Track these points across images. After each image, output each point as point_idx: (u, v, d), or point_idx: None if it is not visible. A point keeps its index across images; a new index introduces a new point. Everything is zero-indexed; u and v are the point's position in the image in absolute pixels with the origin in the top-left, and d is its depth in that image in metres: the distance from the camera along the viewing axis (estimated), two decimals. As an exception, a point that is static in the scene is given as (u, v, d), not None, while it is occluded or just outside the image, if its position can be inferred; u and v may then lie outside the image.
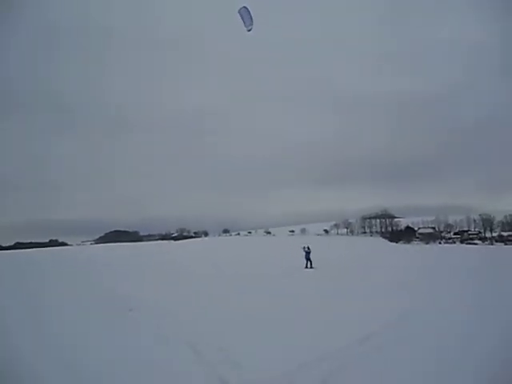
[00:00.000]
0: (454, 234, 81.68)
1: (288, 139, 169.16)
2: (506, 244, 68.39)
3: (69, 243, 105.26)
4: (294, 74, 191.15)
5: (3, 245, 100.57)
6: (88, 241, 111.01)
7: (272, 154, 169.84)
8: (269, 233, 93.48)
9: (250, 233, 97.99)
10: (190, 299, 9.84)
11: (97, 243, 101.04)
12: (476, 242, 72.90)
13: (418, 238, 79.20)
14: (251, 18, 8.86)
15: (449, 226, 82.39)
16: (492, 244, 70.11)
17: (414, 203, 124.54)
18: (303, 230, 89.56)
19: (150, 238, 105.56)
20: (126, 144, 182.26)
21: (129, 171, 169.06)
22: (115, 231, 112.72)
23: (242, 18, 8.86)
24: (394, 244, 69.23)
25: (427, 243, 70.86)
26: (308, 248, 17.53)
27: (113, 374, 4.38)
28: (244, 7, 8.86)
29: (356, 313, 7.50)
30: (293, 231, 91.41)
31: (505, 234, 76.37)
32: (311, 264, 17.04)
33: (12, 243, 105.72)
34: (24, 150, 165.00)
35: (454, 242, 73.86)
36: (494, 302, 8.58)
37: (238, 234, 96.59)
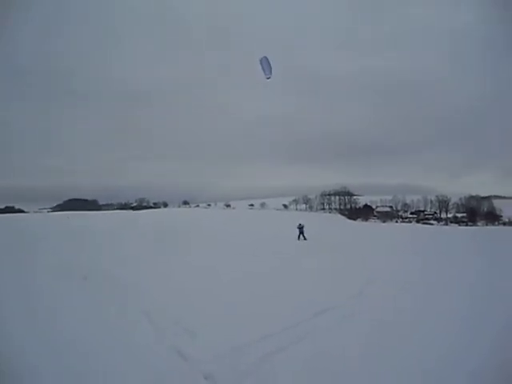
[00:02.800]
0: (411, 213, 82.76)
1: (251, 115, 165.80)
2: (459, 225, 69.62)
3: (25, 210, 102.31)
4: (262, 49, 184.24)
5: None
6: (45, 208, 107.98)
7: (235, 128, 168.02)
8: (228, 206, 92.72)
9: (209, 205, 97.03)
10: (148, 269, 9.62)
11: (54, 211, 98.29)
12: (431, 222, 74.02)
13: (375, 216, 79.93)
14: (271, 67, 9.24)
15: (406, 206, 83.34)
16: (447, 224, 71.33)
17: (373, 182, 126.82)
18: (263, 205, 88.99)
19: (108, 207, 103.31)
20: (88, 114, 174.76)
21: (91, 140, 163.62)
22: (74, 199, 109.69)
23: (263, 67, 9.21)
24: (351, 221, 69.57)
25: (384, 221, 71.65)
26: (302, 225, 21.20)
27: (63, 342, 4.31)
28: (265, 57, 9.23)
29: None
30: (252, 205, 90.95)
31: (459, 215, 77.72)
32: (304, 236, 20.39)
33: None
34: None
35: (410, 222, 74.80)
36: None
37: (198, 205, 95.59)
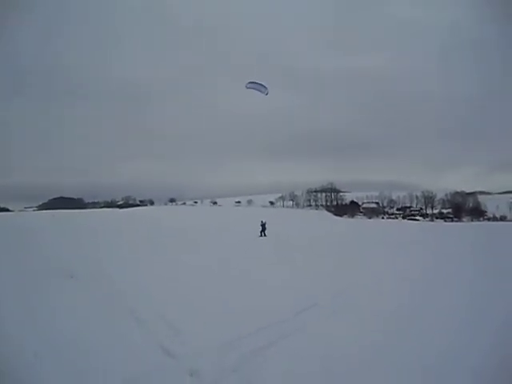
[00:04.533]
0: (397, 209, 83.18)
1: (237, 112, 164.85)
2: (445, 221, 69.97)
3: (10, 209, 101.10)
4: (247, 47, 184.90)
5: None
6: (31, 207, 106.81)
7: (221, 125, 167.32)
8: (215, 203, 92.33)
9: (196, 202, 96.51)
10: (134, 267, 9.73)
11: (40, 209, 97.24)
12: (417, 218, 74.46)
13: (361, 212, 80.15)
14: (261, 84, 9.70)
15: (392, 202, 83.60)
16: (432, 220, 71.90)
17: (360, 179, 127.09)
18: (249, 201, 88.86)
19: (94, 205, 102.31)
20: (74, 111, 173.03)
21: (76, 138, 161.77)
22: (60, 198, 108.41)
23: (257, 89, 9.72)
24: (337, 217, 69.59)
25: (370, 218, 71.87)
26: (264, 222, 22.14)
27: (50, 339, 4.29)
28: (250, 82, 9.72)
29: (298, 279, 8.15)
30: (239, 202, 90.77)
31: (445, 211, 78.14)
32: (265, 233, 21.44)
33: None
34: None
35: (397, 218, 75.13)
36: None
37: (184, 203, 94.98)
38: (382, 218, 74.96)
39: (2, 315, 5.18)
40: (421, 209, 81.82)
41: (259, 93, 9.94)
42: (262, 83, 9.90)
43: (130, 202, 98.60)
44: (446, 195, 79.54)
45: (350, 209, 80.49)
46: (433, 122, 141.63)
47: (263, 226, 21.92)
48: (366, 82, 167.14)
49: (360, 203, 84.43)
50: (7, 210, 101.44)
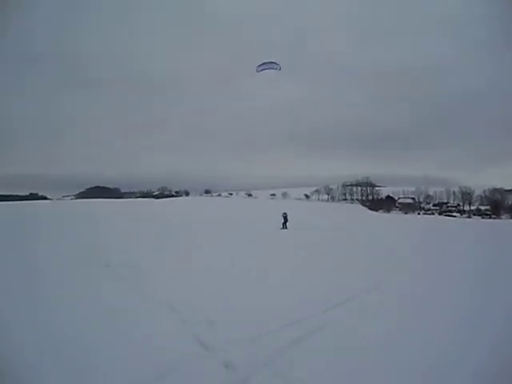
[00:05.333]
0: (434, 205, 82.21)
1: (274, 105, 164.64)
2: (483, 217, 69.04)
3: (49, 197, 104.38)
4: (280, 42, 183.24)
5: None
6: (68, 196, 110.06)
7: (258, 118, 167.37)
8: (250, 195, 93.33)
9: (231, 194, 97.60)
10: (168, 257, 9.66)
11: (77, 198, 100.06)
12: (454, 214, 73.49)
13: (397, 207, 79.69)
14: (273, 62, 9.76)
15: (428, 198, 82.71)
16: (470, 217, 70.77)
17: (396, 173, 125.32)
18: (284, 194, 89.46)
19: (130, 195, 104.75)
20: (113, 102, 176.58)
21: (114, 128, 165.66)
22: (96, 187, 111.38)
23: (270, 68, 9.86)
24: (373, 212, 69.59)
25: (406, 213, 71.49)
26: (285, 214, 21.49)
27: (86, 329, 4.33)
28: (260, 66, 9.85)
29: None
30: (274, 195, 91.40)
31: (482, 208, 76.97)
32: (286, 226, 20.79)
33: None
34: (10, 102, 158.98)
35: (433, 214, 74.43)
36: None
37: (219, 195, 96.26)
38: (418, 213, 74.41)
39: (41, 302, 5.30)
40: (458, 205, 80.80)
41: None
42: (272, 61, 9.84)
43: (166, 192, 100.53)
44: (485, 192, 78.38)
45: (386, 204, 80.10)
46: (472, 116, 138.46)
47: (285, 218, 21.23)
48: (403, 75, 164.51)
49: (396, 198, 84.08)
50: (45, 198, 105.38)
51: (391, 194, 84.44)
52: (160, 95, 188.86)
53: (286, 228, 20.57)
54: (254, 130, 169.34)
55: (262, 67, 10.01)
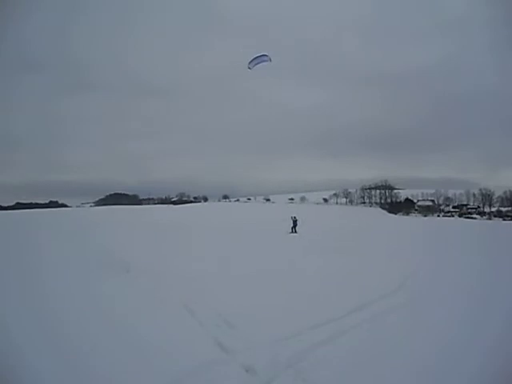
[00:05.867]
0: (453, 207, 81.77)
1: (291, 109, 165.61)
2: (504, 219, 68.49)
3: (68, 205, 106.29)
4: (298, 43, 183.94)
5: (3, 205, 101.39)
6: (88, 203, 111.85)
7: (274, 122, 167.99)
8: (268, 200, 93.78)
9: (249, 199, 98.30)
10: (189, 262, 9.73)
11: (96, 205, 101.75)
12: (474, 216, 72.88)
13: (416, 210, 79.50)
14: (263, 55, 9.77)
15: (448, 200, 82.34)
16: (490, 219, 70.27)
17: (415, 176, 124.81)
18: (303, 199, 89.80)
19: (149, 201, 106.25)
20: (129, 107, 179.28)
21: (131, 135, 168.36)
22: (115, 194, 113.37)
23: (261, 62, 9.84)
24: (392, 215, 69.73)
25: (425, 215, 71.30)
26: (295, 217, 21.36)
27: (109, 333, 4.37)
28: (250, 62, 9.81)
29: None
30: (292, 199, 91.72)
31: (503, 209, 76.35)
32: (295, 230, 20.49)
33: (12, 203, 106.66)
34: (27, 109, 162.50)
35: (453, 216, 73.94)
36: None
37: (238, 200, 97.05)
38: (438, 215, 74.10)
39: (62, 307, 5.36)
40: (478, 207, 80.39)
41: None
42: (262, 54, 9.77)
43: (184, 198, 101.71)
44: (505, 193, 77.92)
45: (405, 206, 79.98)
46: (491, 118, 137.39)
47: (294, 221, 20.89)
48: (421, 79, 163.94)
49: (415, 201, 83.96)
50: (65, 206, 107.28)
51: (410, 197, 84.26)
52: (175, 100, 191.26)
53: (295, 232, 19.97)
54: (273, 134, 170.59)
55: (254, 62, 9.92)
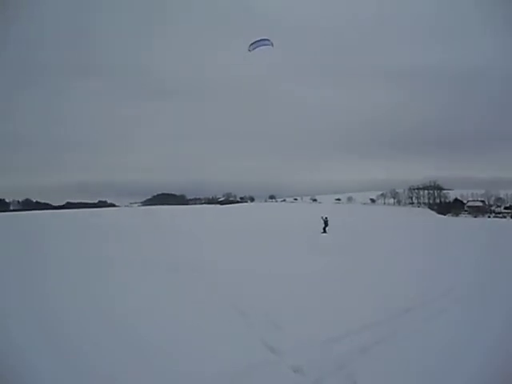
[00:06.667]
0: (505, 208, 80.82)
1: (338, 110, 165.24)
2: (561, 220, 67.26)
3: (117, 204, 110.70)
4: (344, 47, 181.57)
5: (55, 204, 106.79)
6: (136, 202, 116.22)
7: (323, 123, 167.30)
8: (315, 200, 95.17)
9: (295, 199, 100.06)
10: (235, 263, 9.85)
11: (144, 205, 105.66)
12: (528, 216, 71.98)
13: (466, 210, 78.98)
14: (264, 39, 9.88)
15: (499, 200, 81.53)
16: (545, 219, 69.16)
17: (464, 176, 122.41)
18: (350, 199, 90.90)
19: (196, 201, 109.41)
20: (178, 110, 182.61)
21: (179, 136, 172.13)
22: (162, 194, 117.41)
23: (262, 45, 9.90)
24: (441, 216, 69.83)
25: (475, 216, 70.82)
26: (326, 218, 21.56)
27: (161, 332, 4.46)
28: (251, 45, 9.87)
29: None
30: (339, 199, 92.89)
31: (560, 209, 75.16)
32: (325, 230, 20.76)
33: (63, 203, 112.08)
34: (78, 113, 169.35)
35: (505, 217, 72.88)
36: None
37: (284, 200, 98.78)
38: (489, 216, 73.47)
39: (119, 305, 5.61)
40: (532, 207, 79.46)
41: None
42: (263, 38, 9.87)
43: (231, 198, 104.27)
44: (562, 193, 76.74)
45: (454, 207, 79.57)
46: None
47: (325, 222, 21.04)
48: (469, 78, 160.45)
49: (464, 201, 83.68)
50: (114, 206, 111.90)
51: (459, 197, 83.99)
52: (224, 102, 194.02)
53: (325, 232, 20.33)
54: (320, 134, 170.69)
55: (254, 45, 9.91)
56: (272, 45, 10.01)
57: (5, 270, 8.64)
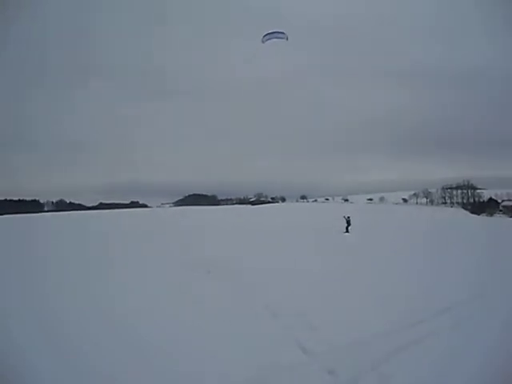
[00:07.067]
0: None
1: (371, 108, 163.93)
2: None
3: (149, 205, 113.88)
4: (372, 50, 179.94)
5: (88, 205, 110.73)
6: (167, 203, 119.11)
7: (356, 122, 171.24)
8: (346, 200, 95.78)
9: (327, 199, 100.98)
10: (267, 263, 9.94)
11: (176, 206, 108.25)
12: None
13: (501, 210, 78.42)
14: (279, 32, 9.93)
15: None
16: None
17: (499, 175, 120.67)
18: (382, 199, 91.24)
19: (227, 202, 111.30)
20: (205, 110, 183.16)
21: (210, 136, 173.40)
22: (194, 194, 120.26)
23: (276, 37, 9.96)
24: (474, 215, 69.74)
25: (511, 216, 70.56)
26: (348, 217, 21.49)
27: (192, 334, 4.57)
28: (265, 36, 9.93)
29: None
30: (371, 199, 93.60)
31: None
32: (348, 230, 20.68)
33: (96, 203, 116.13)
34: (110, 114, 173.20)
35: None
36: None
37: (315, 200, 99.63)
38: None
39: (147, 305, 5.84)
40: None
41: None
42: (279, 30, 9.85)
43: (262, 198, 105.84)
44: None
45: (488, 207, 78.83)
46: None
47: (348, 221, 21.00)
48: (501, 74, 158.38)
49: (499, 201, 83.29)
50: (146, 206, 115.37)
51: (494, 197, 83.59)
52: (253, 102, 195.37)
53: (348, 232, 20.29)
54: (352, 134, 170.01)
55: (268, 37, 9.90)
56: (287, 38, 9.90)
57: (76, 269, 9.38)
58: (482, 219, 60.21)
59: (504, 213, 76.20)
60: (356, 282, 7.65)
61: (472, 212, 75.93)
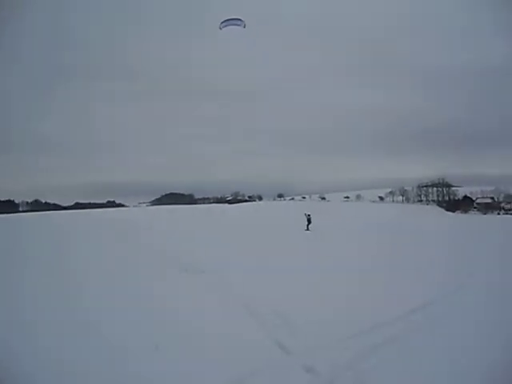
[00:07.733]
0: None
1: (345, 108, 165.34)
2: None
3: (125, 204, 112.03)
4: (358, 43, 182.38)
5: (64, 205, 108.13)
6: (144, 202, 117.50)
7: (332, 121, 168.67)
8: (323, 198, 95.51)
9: (304, 198, 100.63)
10: (245, 262, 9.72)
11: (153, 205, 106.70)
12: (539, 214, 71.53)
13: (475, 207, 78.82)
14: (237, 19, 9.88)
15: (509, 197, 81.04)
16: (556, 217, 68.79)
17: (473, 173, 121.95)
18: (358, 197, 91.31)
19: (204, 200, 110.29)
20: (181, 108, 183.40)
21: (185, 135, 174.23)
22: (171, 193, 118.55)
23: (233, 24, 9.92)
24: (449, 213, 69.83)
25: (485, 213, 70.72)
26: (309, 215, 21.01)
27: (174, 335, 4.42)
28: (222, 23, 9.90)
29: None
30: (348, 197, 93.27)
31: None
32: (309, 228, 20.26)
33: (72, 203, 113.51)
34: (85, 114, 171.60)
35: None
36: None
37: (293, 198, 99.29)
38: (498, 213, 73.32)
39: (117, 305, 5.68)
40: (542, 204, 78.94)
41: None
42: (236, 17, 9.75)
43: (239, 197, 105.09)
44: None
45: (463, 204, 79.24)
46: None
47: (308, 219, 20.49)
48: (479, 76, 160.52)
49: (474, 198, 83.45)
50: (122, 206, 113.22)
51: (469, 194, 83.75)
52: (225, 99, 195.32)
53: (308, 230, 19.79)
54: (329, 133, 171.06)
55: (225, 24, 9.87)
56: (244, 26, 9.86)
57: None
58: (455, 216, 60.15)
59: (478, 210, 76.61)
60: (299, 282, 7.40)
61: (447, 209, 76.07)
